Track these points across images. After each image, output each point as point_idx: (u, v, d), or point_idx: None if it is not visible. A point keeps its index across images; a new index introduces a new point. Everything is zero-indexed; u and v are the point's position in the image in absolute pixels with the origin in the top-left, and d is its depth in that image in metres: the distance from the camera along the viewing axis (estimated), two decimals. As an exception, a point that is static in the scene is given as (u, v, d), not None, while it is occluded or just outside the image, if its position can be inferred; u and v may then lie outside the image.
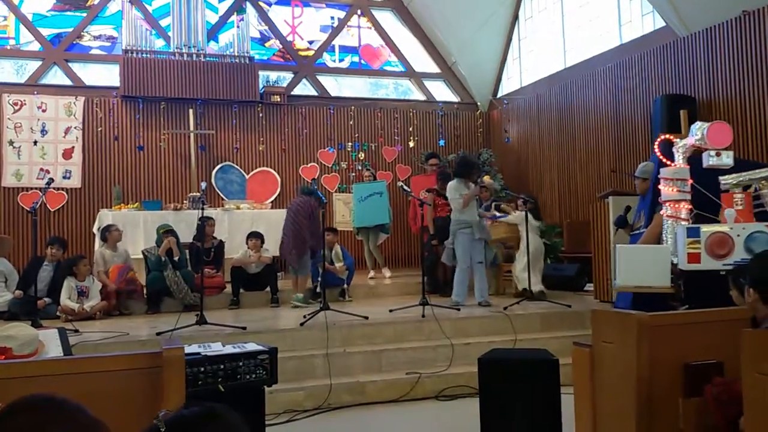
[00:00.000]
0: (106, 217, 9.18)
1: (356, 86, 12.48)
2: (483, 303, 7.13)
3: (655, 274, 4.22)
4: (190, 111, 10.65)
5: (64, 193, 10.34)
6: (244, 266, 7.98)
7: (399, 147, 11.99)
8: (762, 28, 7.10)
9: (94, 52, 11.15)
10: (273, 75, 11.87)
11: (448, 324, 6.37)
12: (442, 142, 12.17)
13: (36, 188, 9.94)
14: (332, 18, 12.40)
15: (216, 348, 3.39)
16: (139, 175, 10.69)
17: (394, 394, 5.55)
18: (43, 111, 10.36)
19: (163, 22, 11.22)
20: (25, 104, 10.29)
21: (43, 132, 10.35)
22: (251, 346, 3.42)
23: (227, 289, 8.04)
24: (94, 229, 9.34)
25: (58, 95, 10.50)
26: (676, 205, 4.54)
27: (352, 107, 11.86)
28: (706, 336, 3.27)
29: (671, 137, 4.89)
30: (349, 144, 11.81)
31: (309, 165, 11.56)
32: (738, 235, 3.92)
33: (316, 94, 12.00)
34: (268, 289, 7.97)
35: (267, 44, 11.99)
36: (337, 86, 12.34)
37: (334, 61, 12.34)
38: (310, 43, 12.23)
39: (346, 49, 12.42)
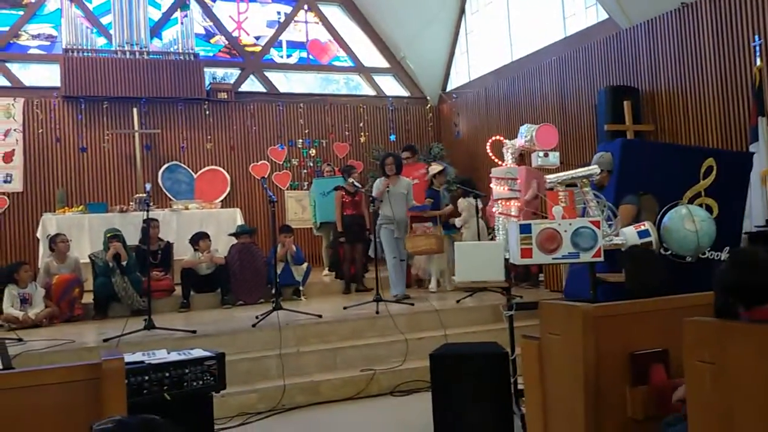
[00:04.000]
0: (49, 221, 8.93)
1: (306, 82, 12.38)
2: (400, 297, 7.20)
3: (490, 269, 4.43)
4: (134, 110, 10.41)
5: (6, 197, 10.02)
6: (195, 268, 7.84)
7: (347, 144, 11.95)
8: (699, 20, 7.27)
9: (32, 51, 10.80)
10: (219, 71, 11.69)
11: (402, 319, 6.37)
12: (393, 137, 12.17)
13: (-25, 193, 9.61)
14: (278, 13, 12.26)
15: (161, 355, 3.31)
16: (82, 178, 10.42)
17: (349, 392, 5.52)
18: (-20, 113, 10.02)
19: (105, 20, 10.94)
20: (-40, 107, 9.93)
21: (-19, 135, 10.01)
22: (197, 353, 3.35)
23: (177, 292, 7.89)
24: (38, 234, 9.08)
25: (-4, 97, 10.17)
26: (507, 203, 4.78)
27: (302, 103, 11.76)
28: (652, 325, 3.33)
29: (501, 139, 5.12)
30: (300, 140, 11.72)
31: (259, 163, 11.43)
32: (565, 231, 4.12)
33: (264, 90, 11.86)
34: (219, 290, 7.85)
35: (212, 40, 11.79)
36: (287, 82, 12.22)
37: (282, 56, 12.22)
38: (257, 38, 12.07)
39: (293, 45, 12.30)
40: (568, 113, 9.12)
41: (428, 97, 12.59)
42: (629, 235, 4.43)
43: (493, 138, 5.31)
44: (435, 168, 8.73)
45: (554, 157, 4.68)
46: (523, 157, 5.42)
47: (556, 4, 9.64)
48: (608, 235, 4.42)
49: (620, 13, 8.18)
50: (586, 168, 4.68)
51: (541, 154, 4.66)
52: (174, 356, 3.29)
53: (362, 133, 12.04)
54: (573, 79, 9.06)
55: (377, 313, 6.48)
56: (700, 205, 5.21)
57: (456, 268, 4.56)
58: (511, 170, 4.81)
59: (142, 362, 3.18)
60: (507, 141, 5.01)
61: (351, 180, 8.02)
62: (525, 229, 4.15)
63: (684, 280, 4.91)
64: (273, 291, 6.83)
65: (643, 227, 4.44)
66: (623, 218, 4.91)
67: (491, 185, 4.97)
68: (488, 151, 5.28)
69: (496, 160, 5.02)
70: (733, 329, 2.54)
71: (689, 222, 4.36)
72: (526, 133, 4.73)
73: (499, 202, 4.78)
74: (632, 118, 7.58)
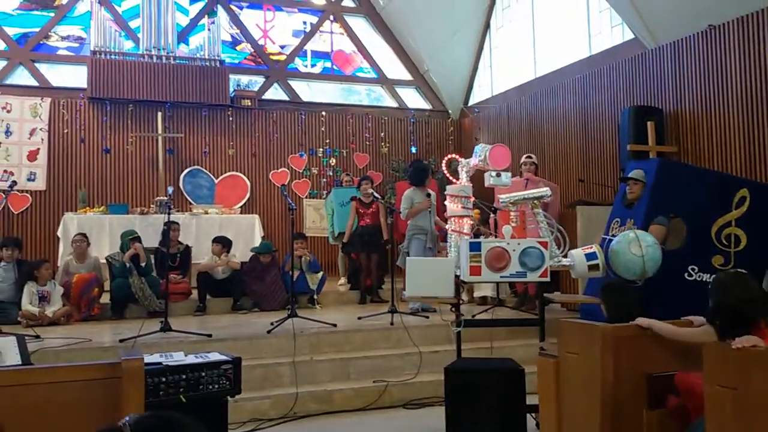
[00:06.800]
0: (71, 220, 9.03)
1: (328, 92, 12.44)
2: (428, 309, 7.14)
3: (440, 285, 4.49)
4: (159, 114, 10.52)
5: (29, 195, 10.13)
6: (211, 272, 7.88)
7: (368, 154, 11.99)
8: (726, 43, 7.23)
9: (61, 52, 10.96)
10: (244, 79, 11.78)
11: (416, 332, 6.36)
12: (414, 149, 12.18)
13: (-1, 190, 9.72)
14: (304, 23, 12.36)
15: (178, 357, 3.33)
16: (105, 179, 10.52)
17: (361, 403, 5.52)
18: (8, 112, 10.15)
19: (133, 24, 11.08)
20: (-11, 104, 10.08)
21: (8, 133, 10.14)
22: (214, 356, 3.36)
23: (193, 295, 7.93)
24: (59, 233, 9.18)
25: (24, 96, 10.30)
26: (460, 221, 4.83)
27: (324, 113, 11.82)
28: (669, 347, 3.31)
29: (457, 157, 5.18)
30: (321, 150, 11.77)
31: (279, 170, 11.49)
32: (514, 250, 4.21)
33: (287, 98, 11.94)
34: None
35: (238, 48, 11.90)
36: (310, 91, 12.28)
37: (306, 66, 12.30)
38: (282, 47, 12.17)
39: (318, 55, 12.38)
40: (591, 132, 9.09)
41: (450, 111, 12.61)
42: (577, 257, 4.46)
43: (448, 156, 5.43)
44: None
45: (506, 177, 4.81)
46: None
47: (581, 23, 9.64)
48: (556, 256, 4.46)
49: (646, 34, 8.16)
50: (537, 190, 4.79)
51: (494, 173, 4.77)
52: (191, 359, 3.31)
53: (383, 144, 12.07)
54: (596, 98, 9.04)
55: (392, 324, 6.48)
56: (729, 235, 5.19)
57: (406, 284, 4.62)
58: (464, 188, 4.90)
59: (160, 363, 3.20)
60: (462, 159, 5.11)
61: (371, 191, 8.05)
62: (474, 247, 4.23)
63: (693, 303, 4.91)
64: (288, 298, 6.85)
65: (590, 250, 4.49)
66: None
67: (445, 202, 5.06)
68: (443, 169, 5.40)
69: (451, 179, 5.11)
70: (755, 354, 2.51)
71: (636, 246, 4.37)
72: (480, 152, 4.85)
73: (452, 219, 4.86)
74: (655, 139, 7.54)
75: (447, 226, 5.03)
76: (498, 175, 4.74)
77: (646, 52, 8.25)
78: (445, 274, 4.46)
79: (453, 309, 4.75)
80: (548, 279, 4.26)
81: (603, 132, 8.88)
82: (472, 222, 4.97)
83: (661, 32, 7.99)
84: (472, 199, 4.95)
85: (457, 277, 4.48)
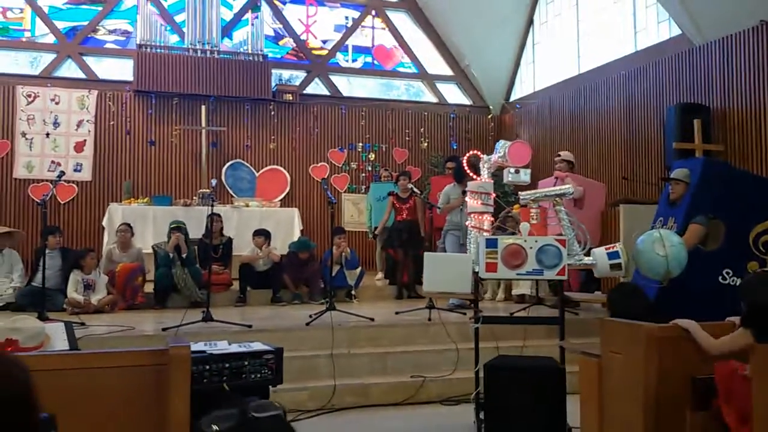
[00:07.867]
0: (115, 211, 9.21)
1: (368, 86, 12.46)
2: (466, 305, 7.09)
3: (457, 280, 4.47)
4: (203, 107, 10.66)
5: (75, 186, 10.37)
6: (252, 264, 7.98)
7: (407, 150, 11.98)
8: (779, 39, 7.05)
9: (108, 46, 11.19)
10: (286, 73, 11.89)
11: (454, 328, 6.32)
12: (454, 145, 12.13)
13: (47, 180, 9.96)
14: (346, 18, 12.40)
15: (222, 346, 3.38)
16: (149, 170, 10.71)
17: (398, 397, 5.52)
18: (56, 104, 10.40)
19: (178, 18, 11.25)
20: (38, 96, 10.33)
21: (56, 124, 10.39)
22: (257, 346, 3.41)
23: (234, 287, 8.04)
24: (104, 223, 9.38)
25: (72, 88, 10.54)
26: (480, 217, 4.83)
27: (364, 108, 11.85)
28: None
29: (479, 153, 5.19)
30: (360, 144, 11.80)
31: (319, 164, 11.56)
32: (531, 248, 4.19)
33: (328, 93, 11.99)
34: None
35: (281, 42, 11.99)
36: (349, 86, 12.33)
37: (347, 61, 12.34)
38: (324, 42, 12.23)
39: (359, 50, 12.41)
40: (636, 129, 8.95)
41: (490, 107, 12.52)
42: (599, 256, 4.40)
43: (470, 153, 5.42)
44: None
45: (525, 174, 4.79)
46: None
47: (627, 18, 9.49)
48: (577, 254, 4.40)
49: (694, 30, 7.99)
50: (558, 187, 4.77)
51: (513, 170, 4.76)
52: (234, 348, 3.36)
53: (423, 140, 12.05)
54: (641, 94, 8.89)
55: (429, 320, 6.47)
56: (767, 242, 5.08)
57: (424, 278, 4.63)
58: (485, 185, 4.87)
59: (204, 352, 3.25)
60: (484, 156, 5.09)
61: (410, 186, 8.06)
62: (491, 244, 4.22)
63: (726, 306, 4.81)
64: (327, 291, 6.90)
65: (613, 249, 4.43)
66: (691, 237, 4.79)
67: (467, 199, 5.04)
68: (464, 166, 5.38)
69: (472, 175, 5.09)
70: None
71: (659, 246, 4.28)
72: (500, 149, 4.83)
73: (472, 215, 4.85)
74: (702, 137, 7.40)
75: (467, 223, 5.03)
76: (517, 171, 4.74)
77: (694, 49, 8.08)
78: (462, 270, 4.46)
79: (471, 305, 4.74)
80: (565, 277, 4.25)
81: (648, 129, 8.73)
82: (493, 219, 4.97)
83: (709, 28, 7.82)
84: (493, 195, 4.94)
85: (475, 273, 4.47)
